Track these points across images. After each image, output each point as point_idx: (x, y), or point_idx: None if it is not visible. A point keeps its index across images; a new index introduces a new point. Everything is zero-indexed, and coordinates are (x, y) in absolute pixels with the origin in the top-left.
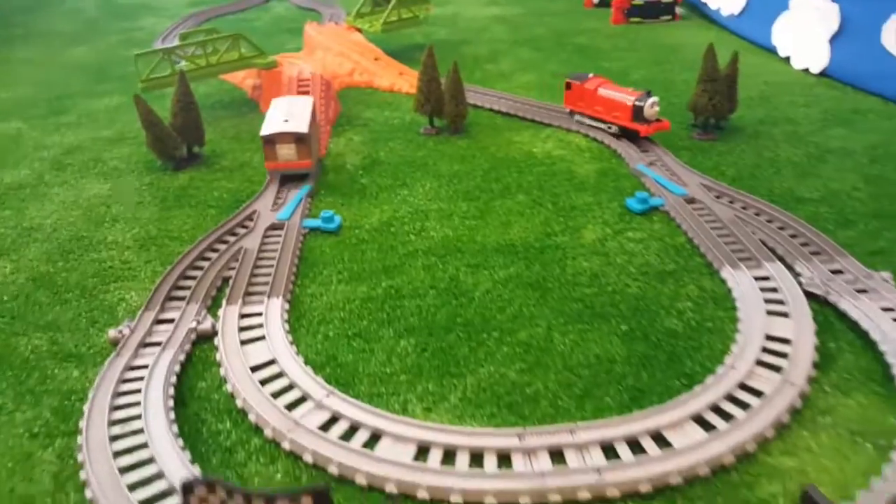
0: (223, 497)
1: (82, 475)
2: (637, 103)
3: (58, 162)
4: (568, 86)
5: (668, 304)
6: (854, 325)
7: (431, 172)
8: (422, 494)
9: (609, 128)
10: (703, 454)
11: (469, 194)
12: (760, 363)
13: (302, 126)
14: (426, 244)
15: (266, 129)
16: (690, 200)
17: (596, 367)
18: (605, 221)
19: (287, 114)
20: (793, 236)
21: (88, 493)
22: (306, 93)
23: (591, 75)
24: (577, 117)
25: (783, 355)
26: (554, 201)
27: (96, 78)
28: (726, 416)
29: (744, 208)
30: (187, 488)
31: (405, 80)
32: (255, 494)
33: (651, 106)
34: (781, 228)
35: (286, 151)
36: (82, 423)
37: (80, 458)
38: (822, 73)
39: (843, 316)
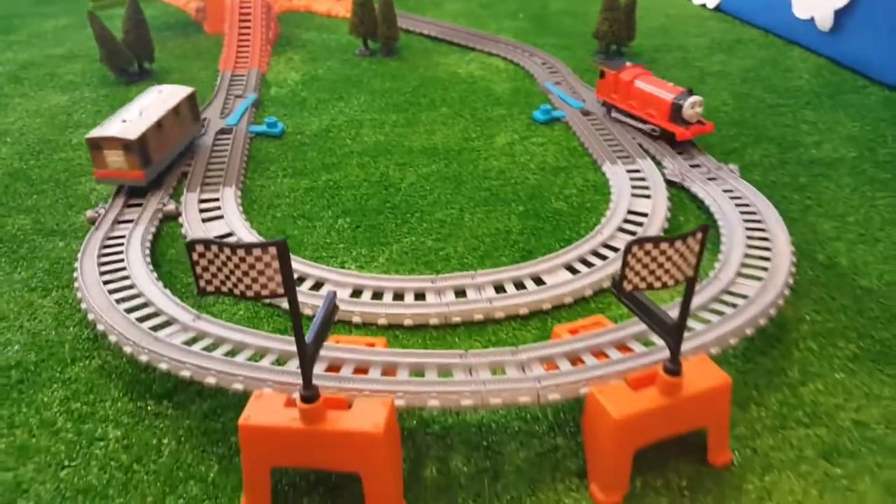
0: (215, 251)
1: (82, 306)
2: (676, 101)
3: (14, 76)
4: (601, 74)
5: (558, 191)
6: (701, 204)
7: (366, 88)
8: (356, 320)
9: (646, 126)
10: (568, 288)
11: (399, 107)
12: (621, 229)
13: (134, 131)
14: (361, 147)
15: (97, 129)
16: (586, 113)
17: (496, 237)
18: (515, 130)
19: (139, 110)
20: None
21: (91, 316)
22: (248, 15)
23: (627, 64)
24: (613, 113)
25: (640, 224)
26: (473, 113)
27: None
28: (590, 265)
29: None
30: (189, 245)
31: (342, 5)
32: (236, 245)
33: (692, 106)
34: (658, 136)
35: (115, 159)
36: (76, 274)
37: (78, 295)
38: (717, 8)
39: (694, 198)
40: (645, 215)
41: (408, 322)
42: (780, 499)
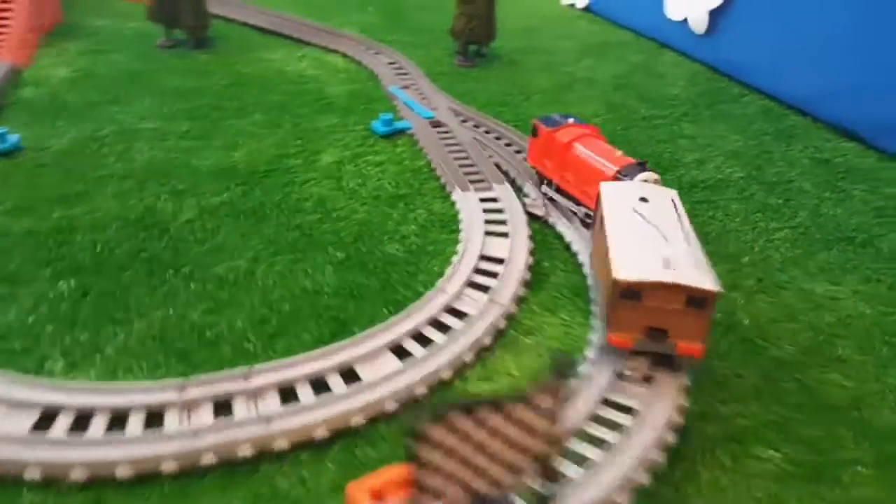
0: None
1: None
2: (620, 176)
3: None
4: (534, 131)
5: (394, 229)
6: (568, 246)
7: (155, 88)
8: (31, 474)
9: (580, 209)
10: (392, 387)
11: (195, 112)
12: (471, 284)
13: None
14: (126, 168)
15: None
16: (436, 124)
17: (299, 301)
18: (347, 144)
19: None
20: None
21: None
22: None
23: (570, 119)
24: (543, 188)
25: (494, 274)
26: (295, 122)
27: None
28: (427, 342)
29: (486, 132)
30: None
31: None
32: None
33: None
34: (518, 152)
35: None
36: None
37: None
38: (586, 9)
39: (560, 237)
40: (502, 262)
41: (123, 473)
42: None
